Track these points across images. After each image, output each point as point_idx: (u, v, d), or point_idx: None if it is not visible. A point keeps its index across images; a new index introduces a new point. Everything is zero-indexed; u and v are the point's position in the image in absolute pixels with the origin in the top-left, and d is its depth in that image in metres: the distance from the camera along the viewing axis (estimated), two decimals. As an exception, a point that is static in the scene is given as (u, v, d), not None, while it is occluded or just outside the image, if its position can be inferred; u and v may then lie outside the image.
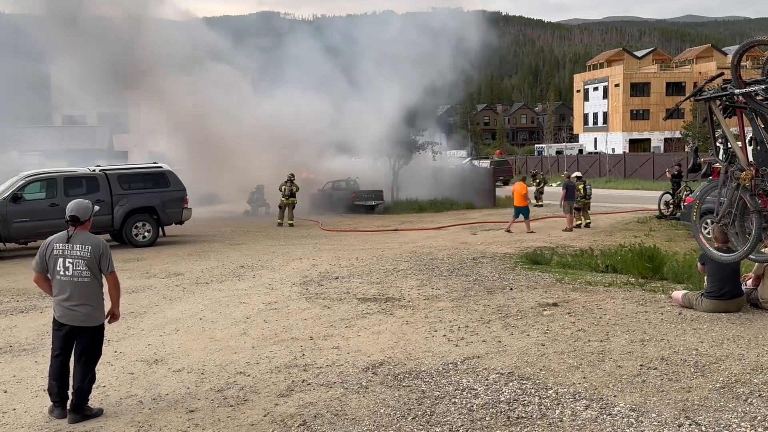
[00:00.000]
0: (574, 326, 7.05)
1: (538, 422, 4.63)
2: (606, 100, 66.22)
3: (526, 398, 5.07)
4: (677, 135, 51.89)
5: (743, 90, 6.19)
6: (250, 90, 27.61)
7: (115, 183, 15.38)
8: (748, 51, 6.42)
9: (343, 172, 25.52)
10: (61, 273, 5.02)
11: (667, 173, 21.76)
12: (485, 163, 40.23)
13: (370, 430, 4.62)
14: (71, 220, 5.12)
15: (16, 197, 14.17)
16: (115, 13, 23.41)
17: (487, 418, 4.73)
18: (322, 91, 26.83)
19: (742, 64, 6.57)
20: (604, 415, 4.69)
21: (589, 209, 18.31)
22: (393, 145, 25.38)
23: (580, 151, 62.49)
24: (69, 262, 5.01)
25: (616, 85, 64.25)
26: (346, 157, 27.56)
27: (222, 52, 26.31)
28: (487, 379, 5.51)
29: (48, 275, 5.09)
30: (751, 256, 6.62)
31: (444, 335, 6.89)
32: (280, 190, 20.48)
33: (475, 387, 5.34)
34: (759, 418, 4.57)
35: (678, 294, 7.87)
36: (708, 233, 7.78)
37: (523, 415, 4.76)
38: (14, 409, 5.25)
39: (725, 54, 63.56)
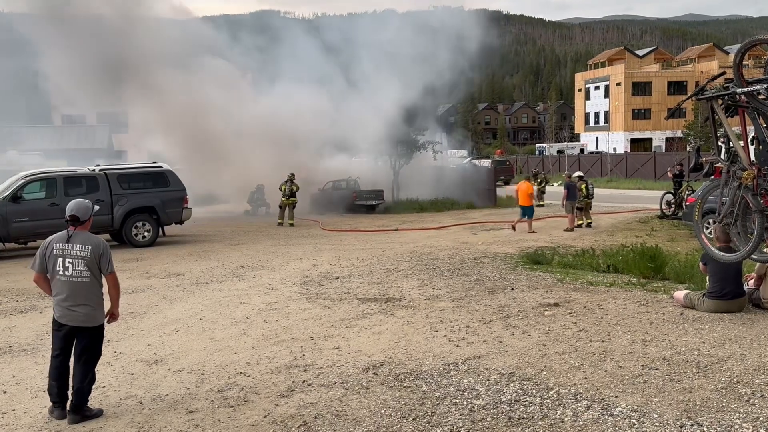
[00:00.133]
0: (575, 326, 7.03)
1: (540, 423, 4.61)
2: (607, 100, 66.16)
3: (528, 399, 5.05)
4: (679, 134, 51.87)
5: (745, 89, 6.16)
6: (248, 88, 27.55)
7: (114, 183, 15.36)
8: (750, 50, 6.39)
9: (344, 171, 25.51)
10: (61, 273, 5.00)
11: (668, 173, 21.73)
12: (486, 163, 40.19)
13: (370, 430, 4.61)
14: (71, 219, 5.10)
15: (15, 197, 14.16)
16: (107, 9, 23.32)
17: (488, 419, 4.71)
18: (321, 89, 26.80)
19: (744, 63, 6.54)
20: (606, 416, 4.68)
21: (590, 209, 18.29)
22: (394, 145, 25.36)
23: (582, 150, 62.38)
24: (69, 262, 5.00)
25: (618, 85, 64.17)
26: (345, 156, 27.54)
27: (220, 50, 26.28)
28: (488, 380, 5.49)
29: (48, 275, 5.08)
30: (753, 256, 6.59)
31: (445, 335, 6.87)
32: (281, 190, 20.46)
33: (476, 387, 5.32)
34: (761, 418, 4.55)
35: (680, 294, 7.84)
36: (710, 233, 7.76)
37: (525, 415, 4.74)
38: (14, 410, 5.23)
39: (727, 53, 63.41)
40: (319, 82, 27.24)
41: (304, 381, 5.63)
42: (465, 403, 5.03)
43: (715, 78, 7.10)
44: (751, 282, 7.69)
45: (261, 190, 24.40)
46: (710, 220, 8.12)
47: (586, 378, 5.45)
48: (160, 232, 16.01)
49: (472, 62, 30.27)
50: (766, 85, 6.01)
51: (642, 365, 5.70)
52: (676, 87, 62.14)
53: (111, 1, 23.67)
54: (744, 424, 4.47)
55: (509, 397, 5.10)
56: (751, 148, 6.50)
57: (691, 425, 4.48)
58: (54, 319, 5.10)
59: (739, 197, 6.46)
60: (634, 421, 4.58)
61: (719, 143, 6.79)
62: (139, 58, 22.21)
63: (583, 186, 17.89)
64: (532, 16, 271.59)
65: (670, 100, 60.13)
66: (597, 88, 68.23)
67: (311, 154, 25.72)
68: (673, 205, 18.90)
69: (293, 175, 20.57)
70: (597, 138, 67.27)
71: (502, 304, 8.17)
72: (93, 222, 5.30)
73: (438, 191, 26.14)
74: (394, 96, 24.96)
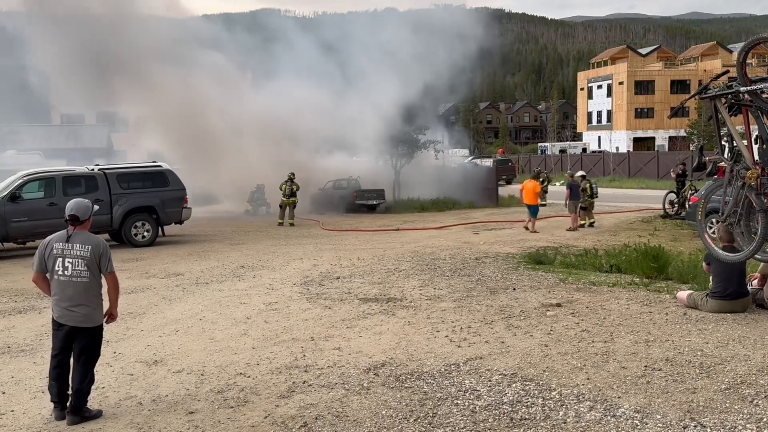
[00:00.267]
0: (577, 327, 6.99)
1: (542, 424, 4.57)
2: (610, 98, 66.05)
3: (530, 400, 5.01)
4: (682, 133, 51.73)
5: (749, 88, 6.13)
6: (247, 85, 27.48)
7: (114, 182, 15.33)
8: (753, 48, 6.36)
9: (344, 171, 25.47)
10: (60, 273, 4.98)
11: (671, 173, 21.66)
12: (488, 162, 40.14)
13: (371, 431, 4.58)
14: (71, 219, 5.08)
15: (14, 196, 14.13)
16: (98, 5, 23.19)
17: (490, 420, 4.68)
18: (321, 87, 26.75)
19: (748, 61, 6.50)
20: (609, 417, 4.64)
21: (593, 209, 18.23)
22: (395, 144, 25.31)
23: (584, 149, 62.27)
24: (68, 262, 4.97)
25: (620, 83, 64.05)
26: (346, 155, 27.50)
27: (218, 47, 26.20)
28: (489, 381, 5.45)
29: (47, 275, 5.05)
30: (756, 255, 6.56)
31: (446, 336, 6.84)
32: (281, 189, 20.43)
33: (477, 388, 5.29)
34: (765, 419, 4.51)
35: (683, 294, 7.80)
36: (713, 233, 7.72)
37: (527, 416, 4.71)
38: (12, 411, 5.21)
39: (730, 51, 63.26)
40: (319, 80, 27.19)
41: (304, 382, 5.60)
42: (466, 404, 4.99)
43: (718, 77, 7.07)
44: (755, 282, 7.64)
45: (261, 190, 24.37)
46: (713, 220, 8.06)
47: (588, 379, 5.41)
48: (160, 232, 15.98)
49: (473, 61, 30.21)
50: (770, 84, 5.97)
51: (645, 366, 5.66)
52: (679, 86, 61.99)
53: None
54: (748, 425, 4.43)
55: (511, 398, 5.07)
56: (755, 147, 6.46)
57: (695, 426, 4.44)
58: (53, 319, 5.08)
59: (742, 197, 6.42)
60: (636, 422, 4.54)
61: (722, 142, 6.74)
62: (132, 54, 22.06)
63: (587, 185, 17.83)
64: (534, 15, 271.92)
65: (673, 98, 60.03)
66: (599, 86, 68.12)
67: (311, 153, 25.68)
68: (676, 205, 18.84)
69: (293, 174, 20.53)
70: (599, 137, 67.16)
71: (504, 305, 8.13)
72: (92, 222, 5.27)
73: (439, 191, 26.10)
74: (394, 95, 24.93)
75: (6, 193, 14.17)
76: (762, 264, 7.33)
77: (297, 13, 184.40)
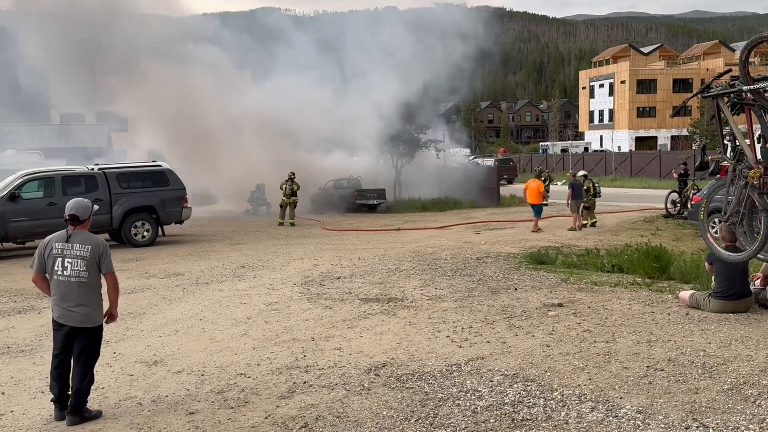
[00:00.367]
0: (579, 327, 6.97)
1: (543, 424, 4.55)
2: (612, 97, 65.93)
3: (531, 400, 4.99)
4: (684, 132, 51.64)
5: (751, 86, 6.08)
6: (247, 85, 27.41)
7: (113, 182, 15.29)
8: (756, 47, 6.31)
9: (345, 170, 25.43)
10: (60, 273, 4.97)
11: (673, 173, 21.62)
12: (489, 162, 40.11)
13: (371, 433, 4.55)
14: (71, 219, 5.07)
15: (13, 196, 14.10)
16: (91, 2, 23.10)
17: (491, 420, 4.66)
18: (322, 87, 26.72)
19: (750, 60, 6.46)
20: (611, 417, 4.62)
21: (594, 208, 18.20)
22: (395, 143, 25.27)
23: (586, 149, 62.15)
24: (68, 262, 4.96)
25: (622, 82, 63.95)
26: (346, 155, 27.45)
27: (218, 46, 26.13)
28: (491, 381, 5.43)
29: (46, 275, 5.04)
30: (759, 255, 6.51)
31: (447, 336, 6.82)
32: (281, 189, 20.41)
33: (479, 389, 5.27)
34: (769, 421, 4.48)
35: (685, 294, 7.77)
36: (715, 232, 7.68)
37: (528, 417, 4.69)
38: (12, 411, 5.20)
39: (733, 50, 63.15)
40: (319, 79, 27.14)
41: (305, 382, 5.58)
42: (468, 404, 4.97)
43: (720, 75, 7.03)
44: (758, 282, 7.62)
45: (261, 190, 24.34)
46: (716, 220, 8.03)
47: (590, 379, 5.39)
48: (160, 232, 15.96)
49: (474, 60, 30.16)
50: (772, 83, 5.93)
51: (647, 366, 5.64)
52: (682, 84, 61.87)
53: None
54: (750, 426, 4.41)
55: (513, 398, 5.05)
56: (758, 146, 6.41)
57: (697, 427, 4.42)
58: (53, 319, 5.08)
59: (745, 196, 6.38)
60: (639, 422, 4.52)
61: (725, 141, 6.70)
62: (129, 52, 21.96)
63: (590, 185, 17.80)
64: (536, 13, 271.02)
65: (675, 97, 59.93)
66: (601, 85, 68.00)
67: (311, 153, 25.62)
68: (678, 204, 18.81)
69: (294, 174, 20.51)
70: (601, 136, 67.06)
71: (505, 305, 8.11)
72: (92, 222, 5.26)
73: (440, 190, 26.06)
74: (394, 93, 24.88)
75: (5, 192, 14.15)
76: (765, 264, 7.30)
77: (297, 11, 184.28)
